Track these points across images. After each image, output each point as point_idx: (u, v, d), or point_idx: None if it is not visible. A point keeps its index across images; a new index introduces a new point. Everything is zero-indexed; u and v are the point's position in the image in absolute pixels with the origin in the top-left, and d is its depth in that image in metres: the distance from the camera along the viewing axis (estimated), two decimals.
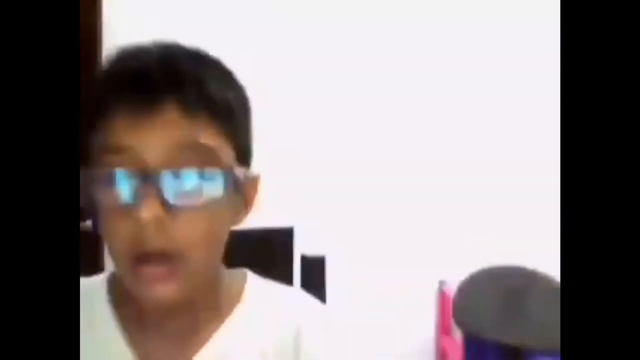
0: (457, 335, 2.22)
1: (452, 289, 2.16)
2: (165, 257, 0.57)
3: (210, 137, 0.58)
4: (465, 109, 2.50)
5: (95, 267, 0.87)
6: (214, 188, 0.58)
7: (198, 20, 2.37)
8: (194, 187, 0.57)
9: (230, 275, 0.69)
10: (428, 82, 2.49)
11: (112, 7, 2.35)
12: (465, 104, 2.50)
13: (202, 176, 0.58)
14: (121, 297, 0.65)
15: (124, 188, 0.56)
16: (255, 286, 0.70)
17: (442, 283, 2.49)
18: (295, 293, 0.75)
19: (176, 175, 0.57)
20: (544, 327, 1.70)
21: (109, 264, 0.63)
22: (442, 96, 2.49)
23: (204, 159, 0.58)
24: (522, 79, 2.51)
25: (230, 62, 0.65)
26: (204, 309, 0.65)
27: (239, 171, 0.61)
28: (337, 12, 2.43)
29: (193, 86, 0.58)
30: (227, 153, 0.60)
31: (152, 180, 0.55)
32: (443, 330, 2.47)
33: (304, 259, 1.21)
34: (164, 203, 0.56)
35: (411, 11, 2.46)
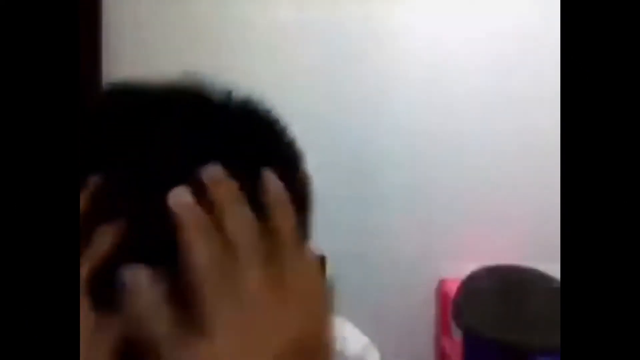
0: (457, 335, 2.22)
1: (452, 288, 2.16)
2: None
3: None
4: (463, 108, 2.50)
5: None
6: None
7: (198, 21, 2.37)
8: None
9: None
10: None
11: (112, 7, 2.35)
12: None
13: None
14: None
15: None
16: None
17: (442, 283, 2.49)
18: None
19: None
20: (544, 326, 1.70)
21: None
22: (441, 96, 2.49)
23: None
24: None
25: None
26: None
27: None
28: None
29: None
30: None
31: None
32: (443, 330, 2.47)
33: None
34: None
35: None
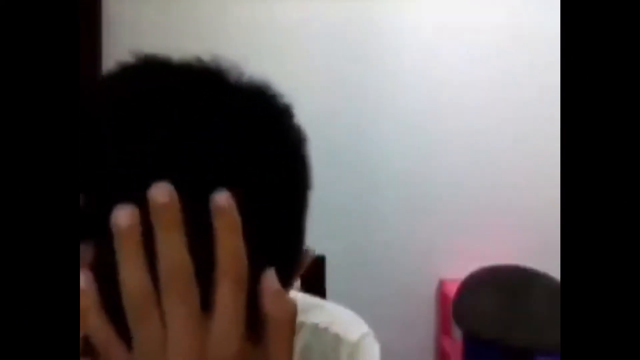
0: (457, 335, 2.21)
1: (452, 289, 2.16)
2: None
3: None
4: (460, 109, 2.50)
5: None
6: None
7: (197, 21, 2.37)
8: None
9: None
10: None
11: (112, 7, 2.35)
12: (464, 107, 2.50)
13: None
14: None
15: None
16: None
17: (442, 283, 2.49)
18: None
19: None
20: (544, 326, 1.70)
21: None
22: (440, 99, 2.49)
23: None
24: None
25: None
26: None
27: None
28: None
29: None
30: None
31: None
32: (443, 330, 2.47)
33: None
34: None
35: None
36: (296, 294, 0.75)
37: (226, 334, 0.40)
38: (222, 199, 0.39)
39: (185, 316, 0.39)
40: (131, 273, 0.39)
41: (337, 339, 0.74)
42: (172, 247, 0.39)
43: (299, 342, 0.72)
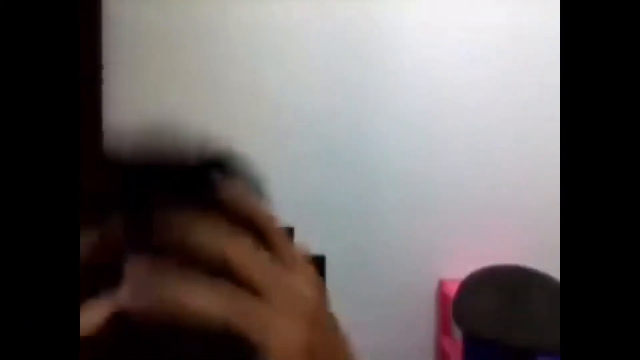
0: (457, 335, 2.22)
1: (452, 288, 2.16)
2: None
3: None
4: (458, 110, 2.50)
5: None
6: None
7: (197, 21, 2.37)
8: None
9: None
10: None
11: (112, 7, 2.35)
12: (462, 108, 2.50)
13: None
14: None
15: None
16: None
17: (442, 283, 2.49)
18: None
19: None
20: (544, 326, 1.70)
21: None
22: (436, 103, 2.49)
23: None
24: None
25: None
26: None
27: None
28: None
29: None
30: None
31: None
32: (443, 330, 2.47)
33: None
34: None
35: None
36: None
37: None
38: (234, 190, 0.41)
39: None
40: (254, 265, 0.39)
41: None
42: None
43: None
